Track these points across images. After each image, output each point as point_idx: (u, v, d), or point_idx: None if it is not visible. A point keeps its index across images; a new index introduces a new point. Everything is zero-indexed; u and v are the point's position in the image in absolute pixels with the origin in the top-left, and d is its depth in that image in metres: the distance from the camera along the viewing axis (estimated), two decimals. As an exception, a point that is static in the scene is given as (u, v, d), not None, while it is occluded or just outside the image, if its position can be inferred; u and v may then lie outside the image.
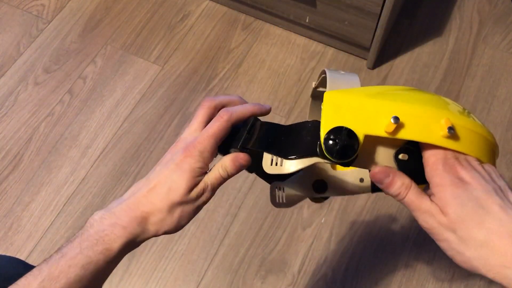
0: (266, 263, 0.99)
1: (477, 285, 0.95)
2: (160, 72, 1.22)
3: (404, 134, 0.39)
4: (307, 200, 1.08)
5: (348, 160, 0.39)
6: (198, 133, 0.46)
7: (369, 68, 1.21)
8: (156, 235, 0.45)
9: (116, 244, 0.42)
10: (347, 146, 0.38)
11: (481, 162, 0.40)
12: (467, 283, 0.96)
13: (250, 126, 0.46)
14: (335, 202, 1.04)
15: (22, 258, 0.96)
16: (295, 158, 0.41)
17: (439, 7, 1.30)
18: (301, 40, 1.26)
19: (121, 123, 1.16)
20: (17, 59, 1.25)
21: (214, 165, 0.47)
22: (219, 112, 0.46)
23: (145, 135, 1.14)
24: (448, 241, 0.38)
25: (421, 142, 0.40)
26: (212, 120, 0.46)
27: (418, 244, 1.00)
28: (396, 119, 0.38)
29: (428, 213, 0.39)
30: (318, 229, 1.02)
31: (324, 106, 0.40)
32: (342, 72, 0.46)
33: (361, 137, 0.38)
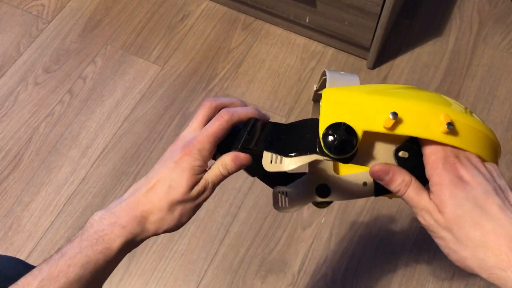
0: (266, 263, 0.99)
1: (477, 285, 0.95)
2: (160, 72, 1.22)
3: (403, 130, 0.39)
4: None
5: (346, 155, 0.39)
6: (197, 132, 0.46)
7: (369, 68, 1.21)
8: (156, 234, 0.45)
9: (115, 243, 0.42)
10: (346, 141, 0.38)
11: (483, 160, 0.40)
12: (467, 283, 0.96)
13: (250, 127, 0.46)
14: (335, 202, 1.04)
15: (22, 258, 0.96)
16: (294, 156, 0.41)
17: (439, 7, 1.30)
18: (301, 40, 1.26)
19: (121, 123, 1.16)
20: (17, 59, 1.25)
21: (213, 163, 0.47)
22: (220, 112, 0.46)
23: (145, 135, 1.14)
24: (444, 239, 0.38)
25: (422, 139, 0.40)
26: (213, 120, 0.46)
27: (418, 244, 1.00)
28: (395, 114, 0.38)
29: (425, 210, 0.39)
30: (318, 229, 1.02)
31: (323, 102, 0.40)
32: (343, 73, 0.46)
33: (359, 133, 0.39)
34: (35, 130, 1.15)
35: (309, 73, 1.21)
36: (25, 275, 0.41)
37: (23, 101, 1.19)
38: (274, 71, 1.21)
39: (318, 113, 0.40)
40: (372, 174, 0.41)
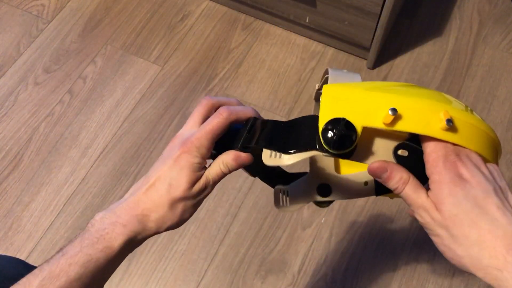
0: (266, 263, 0.99)
1: (477, 285, 0.95)
2: (160, 72, 1.22)
3: (402, 126, 0.39)
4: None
5: (345, 151, 0.39)
6: (195, 129, 0.46)
7: (369, 68, 1.21)
8: (158, 232, 0.45)
9: (116, 242, 0.42)
10: (345, 136, 0.38)
11: (483, 158, 0.40)
12: (467, 283, 0.96)
13: (250, 126, 0.46)
14: (335, 202, 1.04)
15: (22, 258, 0.96)
16: (294, 152, 0.41)
17: (439, 7, 1.30)
18: (301, 40, 1.26)
19: (121, 123, 1.16)
20: (17, 59, 1.25)
21: (213, 161, 0.47)
22: (219, 109, 0.46)
23: (145, 135, 1.14)
24: (440, 237, 0.38)
25: (422, 138, 0.40)
26: (211, 117, 0.46)
27: (418, 244, 1.00)
28: (394, 110, 0.38)
29: (422, 208, 0.39)
30: (318, 229, 1.02)
31: (323, 98, 0.41)
32: (345, 71, 0.46)
33: (359, 128, 0.39)
34: (35, 130, 1.15)
35: (309, 73, 1.21)
36: (27, 275, 0.41)
37: (23, 101, 1.19)
38: (274, 71, 1.21)
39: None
40: (370, 171, 0.41)
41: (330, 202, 0.51)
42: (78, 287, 0.40)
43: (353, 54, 1.23)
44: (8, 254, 0.87)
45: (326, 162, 0.50)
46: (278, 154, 0.43)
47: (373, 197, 1.04)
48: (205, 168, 0.46)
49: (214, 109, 0.48)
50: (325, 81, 0.48)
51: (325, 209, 1.03)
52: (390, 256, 0.99)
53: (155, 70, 1.23)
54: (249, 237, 1.01)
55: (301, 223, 1.02)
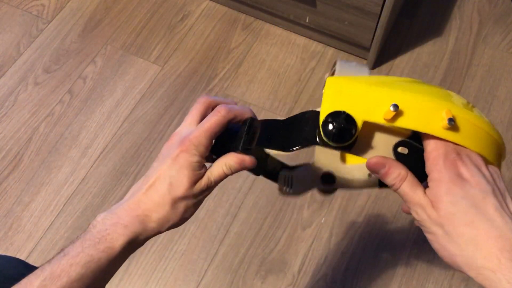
0: (266, 263, 0.99)
1: (477, 285, 0.95)
2: (160, 72, 1.22)
3: (403, 123, 0.38)
4: (307, 200, 1.08)
5: (344, 144, 0.39)
6: (192, 127, 0.46)
7: (369, 68, 1.21)
8: (160, 232, 0.45)
9: (118, 242, 0.42)
10: (344, 130, 0.38)
11: (485, 159, 0.40)
12: (467, 283, 0.96)
13: (248, 126, 0.46)
14: (335, 202, 1.04)
15: (22, 258, 0.96)
16: (297, 149, 0.42)
17: (439, 7, 1.30)
18: (301, 40, 1.26)
19: (121, 123, 1.16)
20: (17, 59, 1.25)
21: (216, 161, 0.47)
22: (217, 107, 0.46)
23: (145, 135, 1.14)
24: (435, 234, 0.38)
25: (424, 135, 0.40)
26: (209, 115, 0.46)
27: (418, 244, 1.00)
28: (395, 106, 0.37)
29: (419, 205, 0.39)
30: (318, 229, 1.02)
31: (325, 90, 0.41)
32: (354, 63, 0.46)
33: (359, 122, 0.39)
34: (35, 130, 1.15)
35: (309, 73, 1.21)
36: (28, 275, 0.41)
37: (23, 101, 1.19)
38: (274, 71, 1.21)
39: None
40: (368, 166, 0.41)
41: (334, 190, 0.51)
42: None
43: (353, 54, 1.23)
44: (8, 254, 0.87)
45: (332, 151, 0.50)
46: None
47: (373, 197, 1.05)
48: (204, 166, 0.46)
49: (211, 108, 0.48)
50: (335, 72, 0.48)
51: (325, 209, 1.03)
52: (390, 256, 0.99)
53: (155, 70, 1.23)
54: (249, 237, 1.01)
55: (301, 223, 1.02)
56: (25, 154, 1.12)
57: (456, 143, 0.39)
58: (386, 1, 1.00)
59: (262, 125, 0.46)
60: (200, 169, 0.45)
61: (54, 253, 1.00)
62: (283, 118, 0.46)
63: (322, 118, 0.39)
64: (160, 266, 0.99)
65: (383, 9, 1.03)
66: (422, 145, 0.40)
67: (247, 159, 0.45)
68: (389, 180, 0.40)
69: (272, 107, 1.15)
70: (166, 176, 0.44)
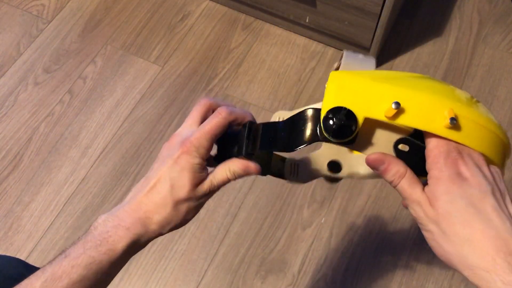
0: (266, 263, 0.99)
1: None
2: (160, 72, 1.22)
3: (404, 120, 0.38)
4: (307, 200, 1.08)
5: (345, 140, 0.39)
6: (193, 129, 0.46)
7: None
8: (162, 234, 0.44)
9: (120, 244, 0.42)
10: (344, 126, 0.38)
11: (488, 159, 0.40)
12: (467, 283, 0.95)
13: (248, 131, 0.46)
14: (335, 202, 1.04)
15: (22, 258, 0.96)
16: (300, 148, 0.42)
17: (439, 7, 1.30)
18: (301, 40, 1.26)
19: (121, 123, 1.16)
20: (17, 59, 1.25)
21: (220, 165, 0.46)
22: (218, 109, 0.46)
23: (145, 135, 1.14)
24: (432, 232, 0.38)
25: (426, 133, 0.39)
26: (210, 117, 0.46)
27: (418, 244, 1.00)
28: (397, 104, 0.37)
29: (416, 202, 0.39)
30: (318, 229, 1.02)
31: (328, 85, 0.41)
32: (361, 56, 0.46)
33: (360, 119, 0.39)
34: (35, 130, 1.15)
35: (309, 73, 1.21)
36: (29, 276, 0.41)
37: (23, 101, 1.19)
38: (274, 71, 1.21)
39: None
40: (367, 162, 0.41)
41: (339, 179, 0.51)
42: None
43: (353, 54, 1.22)
44: (8, 254, 0.87)
45: None
46: None
47: (373, 197, 1.05)
48: (206, 168, 0.46)
49: (212, 110, 0.48)
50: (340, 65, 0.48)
51: (325, 209, 1.03)
52: (390, 256, 0.99)
53: (155, 70, 1.23)
54: (249, 237, 1.01)
55: (301, 223, 1.02)
56: (25, 154, 1.12)
57: (458, 142, 0.39)
58: (386, 1, 1.00)
59: (263, 128, 0.46)
60: (201, 171, 0.44)
61: (54, 253, 1.00)
62: (282, 120, 0.46)
63: (323, 113, 0.39)
64: (160, 266, 0.99)
65: (383, 9, 1.03)
66: (423, 142, 0.40)
67: (252, 166, 0.45)
68: (388, 177, 0.40)
69: (272, 107, 1.15)
70: (167, 178, 0.43)
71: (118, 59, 1.25)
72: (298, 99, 1.17)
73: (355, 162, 0.50)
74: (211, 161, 0.49)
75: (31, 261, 0.90)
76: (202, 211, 0.48)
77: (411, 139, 0.41)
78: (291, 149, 0.42)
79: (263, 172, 0.51)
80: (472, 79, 1.18)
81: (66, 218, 1.05)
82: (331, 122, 0.39)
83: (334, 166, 0.49)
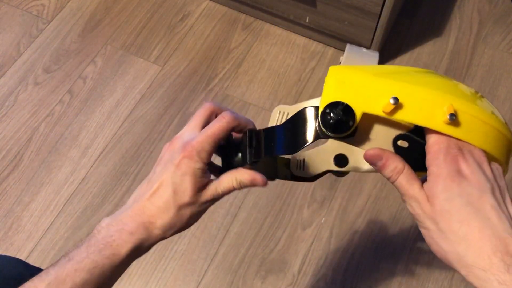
0: (266, 263, 0.99)
1: (477, 285, 0.95)
2: (160, 72, 1.22)
3: (402, 116, 0.38)
4: (307, 200, 1.08)
5: (343, 135, 0.39)
6: (195, 132, 0.45)
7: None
8: (164, 238, 0.44)
9: (123, 249, 0.42)
10: (342, 121, 0.38)
11: (491, 156, 0.39)
12: (467, 284, 0.95)
13: (249, 139, 0.46)
14: (335, 202, 1.04)
15: (22, 258, 0.96)
16: (303, 148, 0.42)
17: (439, 7, 1.30)
18: (301, 40, 1.26)
19: (121, 123, 1.16)
20: (17, 59, 1.25)
21: (226, 173, 0.46)
22: (222, 113, 0.46)
23: (145, 135, 1.14)
24: (429, 229, 0.38)
25: (426, 128, 0.39)
26: (214, 120, 0.45)
27: (418, 244, 1.00)
28: (395, 99, 0.37)
29: (414, 199, 0.39)
30: (318, 229, 1.02)
31: (327, 80, 0.40)
32: (364, 50, 0.45)
33: (358, 114, 0.38)
34: (35, 130, 1.15)
35: (309, 73, 1.21)
36: (32, 278, 0.41)
37: (23, 101, 1.19)
38: (274, 71, 1.21)
39: None
40: (365, 158, 0.41)
41: (346, 173, 0.51)
42: None
43: (353, 54, 1.22)
44: (8, 254, 0.87)
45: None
46: None
47: (373, 197, 1.04)
48: (208, 172, 0.45)
49: (215, 114, 0.47)
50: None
51: (325, 209, 1.03)
52: (390, 256, 0.99)
53: (155, 70, 1.23)
54: (249, 237, 1.01)
55: (301, 223, 1.02)
56: (25, 154, 1.12)
57: (458, 138, 0.38)
58: (386, 1, 1.00)
59: (262, 135, 0.46)
60: (203, 175, 0.44)
61: (54, 253, 1.00)
62: (282, 123, 0.46)
63: (321, 108, 0.39)
64: (160, 266, 0.99)
65: (383, 9, 1.03)
66: (423, 138, 0.40)
67: (259, 179, 0.45)
68: (385, 173, 0.40)
69: (272, 107, 1.15)
70: (170, 183, 0.43)
71: (118, 59, 1.25)
72: (298, 99, 1.17)
73: (361, 156, 0.50)
74: (213, 167, 0.49)
75: (31, 261, 0.90)
76: (202, 211, 0.48)
77: (411, 135, 0.41)
78: (295, 150, 0.42)
79: (271, 177, 0.50)
80: (472, 79, 1.18)
81: (66, 218, 1.05)
82: (328, 117, 0.39)
83: (341, 159, 0.49)
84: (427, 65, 1.21)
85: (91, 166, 1.10)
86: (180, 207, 0.43)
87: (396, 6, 1.08)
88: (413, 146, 0.41)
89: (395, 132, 0.41)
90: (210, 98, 1.18)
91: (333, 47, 1.24)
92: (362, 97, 0.39)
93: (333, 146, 0.48)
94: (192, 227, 1.09)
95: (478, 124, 0.39)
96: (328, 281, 0.97)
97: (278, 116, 0.49)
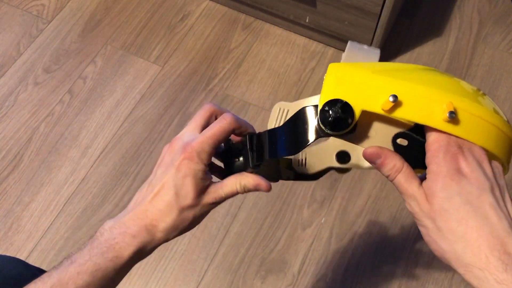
0: (266, 263, 0.99)
1: (477, 285, 0.95)
2: (160, 72, 1.22)
3: (401, 114, 0.38)
4: (307, 200, 1.08)
5: (341, 132, 0.39)
6: (195, 133, 0.45)
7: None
8: (167, 240, 0.44)
9: (126, 252, 0.42)
10: (340, 119, 0.38)
11: (491, 154, 0.39)
12: (467, 284, 0.95)
13: (250, 143, 0.46)
14: (335, 202, 1.04)
15: (22, 258, 0.96)
16: (305, 147, 0.42)
17: (439, 7, 1.30)
18: (301, 40, 1.26)
19: (121, 123, 1.16)
20: (17, 59, 1.25)
21: (230, 177, 0.46)
22: (223, 114, 0.45)
23: (145, 135, 1.14)
24: (427, 228, 0.38)
25: (426, 126, 0.39)
26: (215, 122, 0.45)
27: (418, 244, 1.00)
28: (394, 97, 0.37)
29: (412, 197, 0.39)
30: (318, 229, 1.02)
31: (326, 77, 0.40)
32: (365, 47, 0.45)
33: (357, 111, 0.38)
34: (35, 130, 1.15)
35: (309, 73, 1.21)
36: (35, 280, 0.41)
37: (23, 101, 1.19)
38: (274, 71, 1.21)
39: None
40: (364, 156, 0.41)
41: (348, 169, 0.51)
42: None
43: (353, 54, 1.22)
44: (8, 254, 0.87)
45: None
46: None
47: (373, 197, 1.04)
48: (209, 174, 0.45)
49: (215, 116, 0.47)
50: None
51: (325, 209, 1.03)
52: (390, 256, 0.99)
53: (155, 70, 1.23)
54: (249, 237, 1.01)
55: (301, 223, 1.02)
56: (25, 154, 1.12)
57: (458, 136, 0.38)
58: (386, 1, 1.00)
59: (263, 139, 0.46)
60: (204, 176, 0.44)
61: (54, 253, 1.00)
62: (280, 126, 0.46)
63: (320, 105, 0.39)
64: (160, 266, 0.99)
65: (383, 9, 1.03)
66: (423, 137, 0.40)
67: (263, 184, 0.45)
68: (384, 171, 0.40)
69: (272, 107, 1.15)
70: (171, 186, 0.43)
71: (118, 59, 1.25)
72: (298, 99, 1.17)
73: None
74: (214, 168, 0.49)
75: (31, 261, 0.90)
76: (202, 211, 0.48)
77: (410, 133, 0.40)
78: (297, 150, 0.42)
79: (275, 178, 0.50)
80: (472, 79, 1.18)
81: (66, 218, 1.05)
82: (327, 114, 0.38)
83: (343, 156, 0.49)
84: (427, 65, 1.21)
85: (91, 166, 1.10)
86: (183, 210, 0.43)
87: (396, 6, 1.08)
88: (412, 144, 0.41)
89: (394, 130, 0.41)
90: (210, 98, 1.18)
91: (333, 47, 1.24)
92: (361, 94, 0.39)
93: (335, 143, 0.48)
94: (192, 227, 1.08)
95: (478, 122, 0.39)
96: (328, 281, 0.97)
97: (278, 113, 0.48)
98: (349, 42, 0.45)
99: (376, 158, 0.40)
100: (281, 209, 1.04)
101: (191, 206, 0.44)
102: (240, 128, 0.46)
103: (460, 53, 1.22)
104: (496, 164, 0.39)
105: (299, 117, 0.43)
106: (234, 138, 0.49)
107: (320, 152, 0.50)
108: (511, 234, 0.35)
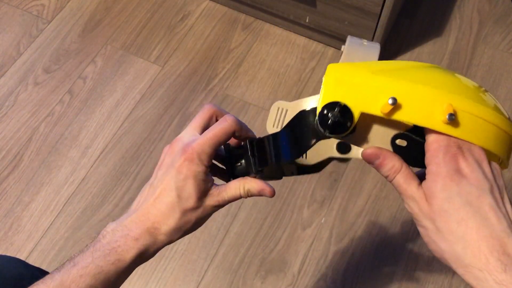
0: (266, 263, 0.99)
1: (477, 285, 0.95)
2: (160, 72, 1.22)
3: (401, 116, 0.38)
4: (307, 200, 1.08)
5: (341, 135, 0.39)
6: (195, 134, 0.45)
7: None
8: (170, 243, 0.44)
9: (128, 255, 0.42)
10: (339, 121, 0.38)
11: (492, 154, 0.39)
12: (467, 284, 0.95)
13: (251, 148, 0.46)
14: (335, 202, 1.04)
15: (22, 258, 0.96)
16: (307, 150, 0.42)
17: (439, 7, 1.30)
18: (301, 40, 1.26)
19: (121, 123, 1.16)
20: (17, 59, 1.25)
21: (234, 180, 0.46)
22: (224, 116, 0.45)
23: (145, 135, 1.14)
24: (426, 228, 0.38)
25: (424, 127, 0.39)
26: (216, 123, 0.45)
27: (418, 244, 1.00)
28: (394, 100, 0.37)
29: (412, 198, 0.39)
30: (318, 229, 1.02)
31: (325, 79, 0.40)
32: (365, 43, 0.45)
33: (356, 113, 0.38)
34: (35, 130, 1.15)
35: (309, 73, 1.21)
36: (37, 282, 0.41)
37: (23, 101, 1.19)
38: (274, 71, 1.21)
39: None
40: (363, 156, 0.41)
41: (349, 159, 0.51)
42: None
43: (353, 54, 1.22)
44: (8, 254, 0.87)
45: None
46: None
47: (373, 197, 1.04)
48: (210, 175, 0.45)
49: (215, 117, 0.47)
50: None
51: (325, 209, 1.03)
52: (390, 256, 0.99)
53: (155, 70, 1.23)
54: (249, 237, 1.01)
55: (301, 223, 1.02)
56: (25, 154, 1.12)
57: (457, 138, 0.38)
58: (386, 1, 1.00)
59: (263, 143, 0.46)
60: (205, 177, 0.44)
61: (54, 253, 1.00)
62: (280, 129, 0.46)
63: (319, 108, 0.39)
64: (160, 266, 0.99)
65: (383, 9, 1.03)
66: (422, 137, 0.40)
67: (267, 189, 0.45)
68: (383, 172, 0.40)
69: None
70: (173, 188, 0.43)
71: (118, 59, 1.25)
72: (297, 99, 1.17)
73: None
74: (215, 169, 0.48)
75: (31, 261, 0.90)
76: (202, 211, 0.48)
77: (409, 134, 0.40)
78: (299, 154, 0.42)
79: (279, 176, 0.50)
80: (472, 79, 1.17)
81: (66, 218, 1.05)
82: (326, 118, 0.38)
83: (343, 146, 0.49)
84: (427, 65, 1.21)
85: (91, 166, 1.10)
86: (185, 212, 0.43)
87: (396, 6, 1.08)
88: (411, 144, 0.41)
89: (393, 131, 0.41)
90: (210, 98, 1.18)
91: (333, 47, 1.24)
92: (360, 96, 0.39)
93: None
94: (192, 227, 1.08)
95: (478, 122, 0.38)
96: (328, 281, 0.97)
97: (277, 112, 0.48)
98: (348, 37, 0.45)
99: (374, 159, 0.40)
100: (281, 209, 1.04)
101: (193, 208, 0.43)
102: (240, 131, 0.45)
103: (460, 53, 1.22)
104: (495, 165, 0.39)
105: (299, 121, 0.43)
106: (232, 142, 0.49)
107: (321, 143, 0.50)
108: (510, 235, 0.35)
